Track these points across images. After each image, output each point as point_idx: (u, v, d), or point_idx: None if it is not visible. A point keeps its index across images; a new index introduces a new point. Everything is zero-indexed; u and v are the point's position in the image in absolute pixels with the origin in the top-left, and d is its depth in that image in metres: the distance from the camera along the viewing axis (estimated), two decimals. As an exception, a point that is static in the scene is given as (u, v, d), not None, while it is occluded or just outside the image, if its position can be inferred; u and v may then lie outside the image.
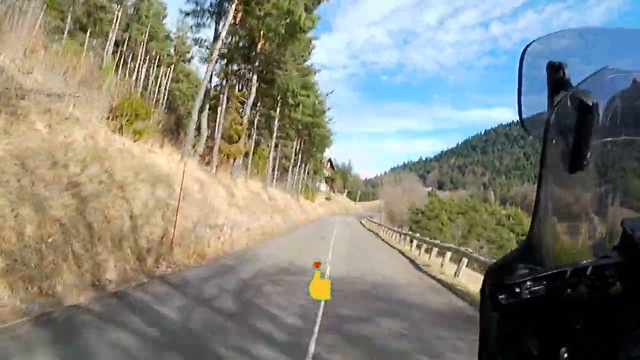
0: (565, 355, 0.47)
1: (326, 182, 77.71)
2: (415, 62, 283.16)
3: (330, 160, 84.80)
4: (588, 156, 0.48)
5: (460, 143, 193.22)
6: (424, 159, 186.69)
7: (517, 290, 0.47)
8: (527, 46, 0.59)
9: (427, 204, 51.25)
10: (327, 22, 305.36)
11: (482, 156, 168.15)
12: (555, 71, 0.53)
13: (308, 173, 49.80)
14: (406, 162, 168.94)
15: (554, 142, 0.50)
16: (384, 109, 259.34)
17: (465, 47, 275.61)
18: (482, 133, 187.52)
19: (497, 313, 0.50)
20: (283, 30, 17.09)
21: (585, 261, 0.48)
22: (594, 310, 0.48)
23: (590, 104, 0.47)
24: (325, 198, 67.28)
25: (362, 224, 41.93)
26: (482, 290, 0.51)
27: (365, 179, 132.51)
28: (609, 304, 0.47)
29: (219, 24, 17.65)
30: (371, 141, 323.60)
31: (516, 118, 0.61)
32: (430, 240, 15.92)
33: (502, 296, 0.48)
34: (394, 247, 19.29)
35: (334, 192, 78.59)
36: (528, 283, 0.47)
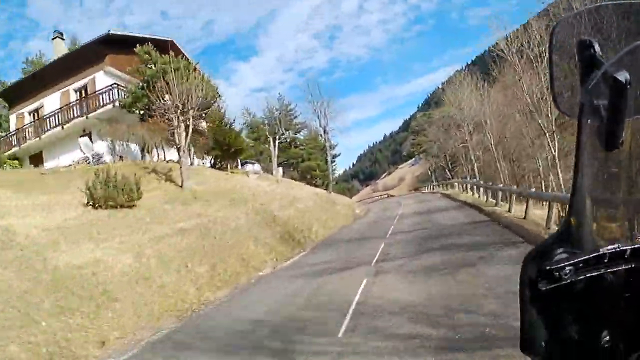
0: (607, 338, 0.46)
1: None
2: (348, 54, 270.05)
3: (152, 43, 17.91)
4: (624, 134, 0.46)
5: (421, 104, 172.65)
6: (388, 134, 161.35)
7: (557, 275, 0.46)
8: (556, 25, 0.56)
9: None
10: (252, 46, 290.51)
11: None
12: (585, 49, 0.50)
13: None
14: (371, 145, 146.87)
15: (588, 121, 0.48)
16: (330, 110, 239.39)
17: (391, 24, 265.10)
18: (442, 85, 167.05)
19: (537, 300, 0.47)
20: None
21: (624, 243, 0.47)
22: (634, 294, 0.47)
23: (624, 80, 0.44)
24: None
25: None
26: (521, 278, 0.48)
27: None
28: None
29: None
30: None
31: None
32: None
33: (542, 282, 0.46)
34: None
35: (217, 165, 22.04)
36: (567, 268, 0.46)
